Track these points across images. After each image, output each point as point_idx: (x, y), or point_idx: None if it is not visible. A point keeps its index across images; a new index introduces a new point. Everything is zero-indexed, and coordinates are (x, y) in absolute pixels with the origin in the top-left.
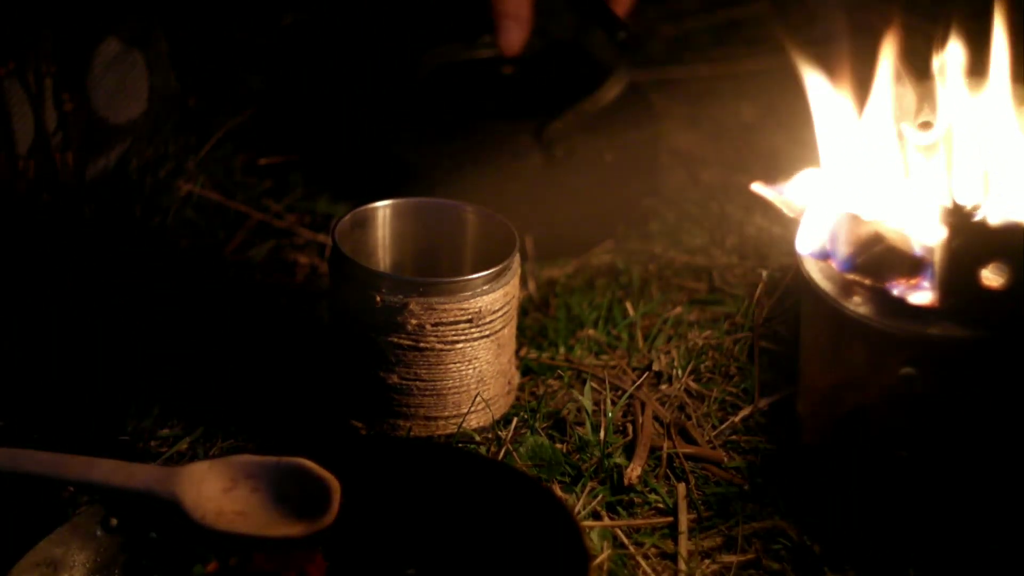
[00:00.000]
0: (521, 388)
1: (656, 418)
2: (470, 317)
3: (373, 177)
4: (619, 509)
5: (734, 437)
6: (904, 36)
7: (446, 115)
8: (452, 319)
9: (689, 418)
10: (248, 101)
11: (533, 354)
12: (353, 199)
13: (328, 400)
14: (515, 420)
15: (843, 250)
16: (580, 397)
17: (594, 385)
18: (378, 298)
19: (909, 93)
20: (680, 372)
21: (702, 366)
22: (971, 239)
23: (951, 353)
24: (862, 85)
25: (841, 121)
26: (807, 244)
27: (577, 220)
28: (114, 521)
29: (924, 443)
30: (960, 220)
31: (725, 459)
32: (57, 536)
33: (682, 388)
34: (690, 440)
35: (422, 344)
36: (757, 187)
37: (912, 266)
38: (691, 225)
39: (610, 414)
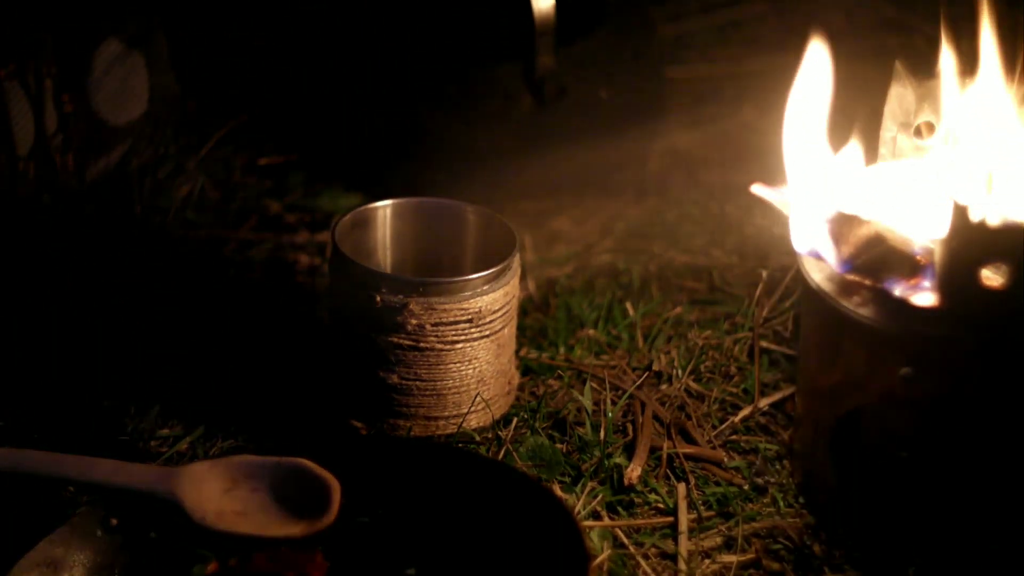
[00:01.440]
0: (521, 388)
1: (656, 418)
2: (470, 317)
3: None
4: (619, 509)
5: (734, 437)
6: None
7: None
8: (452, 319)
9: (689, 418)
10: (248, 101)
11: (533, 354)
12: (354, 194)
13: (328, 400)
14: (515, 420)
15: (843, 250)
16: (580, 397)
17: (594, 385)
18: (378, 298)
19: (909, 93)
20: (680, 372)
21: (702, 366)
22: (971, 239)
23: (951, 353)
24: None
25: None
26: (802, 242)
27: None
28: (114, 521)
29: (924, 443)
30: (960, 220)
31: (725, 459)
32: (57, 536)
33: (682, 388)
34: (690, 440)
35: (422, 344)
36: (757, 188)
37: (912, 266)
38: (691, 225)
39: (610, 414)
